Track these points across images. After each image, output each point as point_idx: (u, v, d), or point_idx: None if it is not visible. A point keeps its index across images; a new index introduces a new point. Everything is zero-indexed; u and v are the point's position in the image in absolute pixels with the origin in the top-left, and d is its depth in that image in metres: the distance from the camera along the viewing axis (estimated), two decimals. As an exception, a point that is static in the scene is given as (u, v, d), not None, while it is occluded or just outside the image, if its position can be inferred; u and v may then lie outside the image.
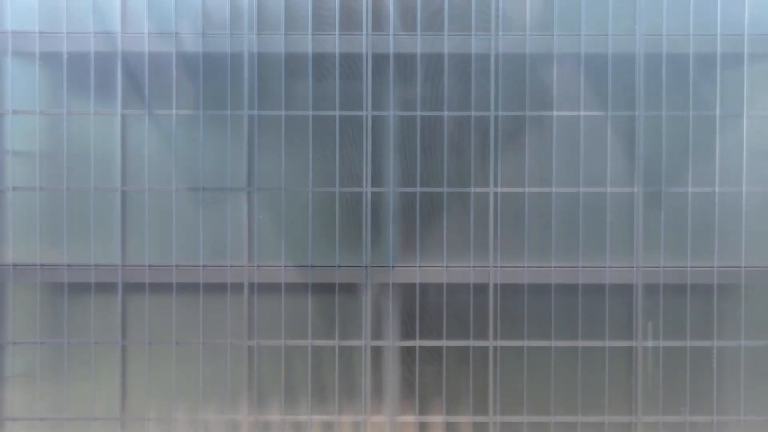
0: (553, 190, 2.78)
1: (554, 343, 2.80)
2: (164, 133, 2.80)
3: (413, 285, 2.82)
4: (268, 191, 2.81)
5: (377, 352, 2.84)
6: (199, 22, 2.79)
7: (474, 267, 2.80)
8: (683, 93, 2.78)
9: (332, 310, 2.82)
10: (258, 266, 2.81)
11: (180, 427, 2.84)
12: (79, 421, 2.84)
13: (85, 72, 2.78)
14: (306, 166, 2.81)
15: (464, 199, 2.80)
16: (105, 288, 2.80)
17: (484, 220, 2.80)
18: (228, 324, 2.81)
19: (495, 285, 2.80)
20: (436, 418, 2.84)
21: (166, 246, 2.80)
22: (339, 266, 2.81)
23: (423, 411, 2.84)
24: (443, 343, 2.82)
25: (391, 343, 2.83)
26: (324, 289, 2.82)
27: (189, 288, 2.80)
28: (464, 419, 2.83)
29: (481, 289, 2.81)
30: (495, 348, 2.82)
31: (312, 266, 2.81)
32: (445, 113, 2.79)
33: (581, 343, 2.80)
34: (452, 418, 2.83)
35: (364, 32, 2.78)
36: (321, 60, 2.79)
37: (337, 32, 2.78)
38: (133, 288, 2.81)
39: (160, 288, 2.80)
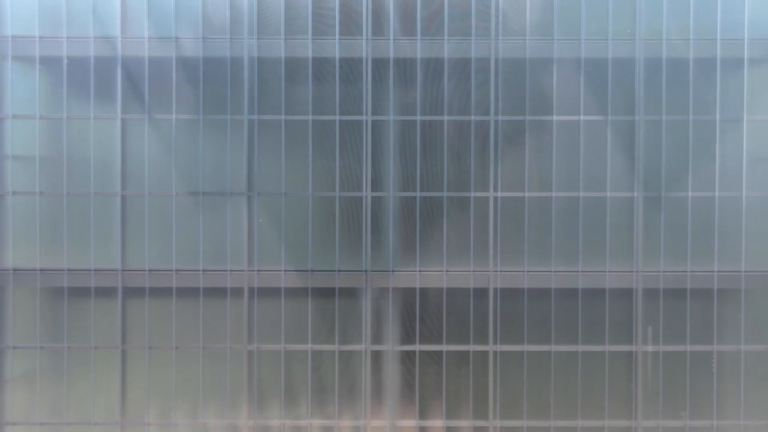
0: (553, 194, 2.78)
1: (554, 348, 2.80)
2: (164, 137, 2.80)
3: (413, 289, 2.82)
4: (268, 196, 2.81)
5: (377, 356, 2.84)
6: (199, 26, 2.79)
7: (474, 271, 2.80)
8: (683, 97, 2.78)
9: (332, 314, 2.82)
10: (258, 271, 2.81)
11: (180, 432, 2.85)
12: (79, 426, 2.84)
13: (85, 76, 2.78)
14: (306, 171, 2.81)
15: (464, 204, 2.80)
16: (105, 292, 2.80)
17: (484, 225, 2.80)
18: (228, 328, 2.81)
19: (495, 289, 2.80)
20: (436, 423, 2.84)
21: (166, 250, 2.80)
22: (339, 271, 2.81)
23: (423, 415, 2.84)
24: (443, 347, 2.82)
25: (391, 347, 2.83)
26: (324, 294, 2.82)
27: (189, 292, 2.80)
28: (464, 423, 2.83)
29: (481, 293, 2.81)
30: (495, 352, 2.82)
31: (312, 271, 2.81)
32: (445, 117, 2.79)
33: (581, 348, 2.80)
34: (452, 423, 2.83)
35: (364, 37, 2.78)
36: (321, 64, 2.79)
37: (337, 36, 2.78)
38: (133, 292, 2.81)
39: (160, 292, 2.80)
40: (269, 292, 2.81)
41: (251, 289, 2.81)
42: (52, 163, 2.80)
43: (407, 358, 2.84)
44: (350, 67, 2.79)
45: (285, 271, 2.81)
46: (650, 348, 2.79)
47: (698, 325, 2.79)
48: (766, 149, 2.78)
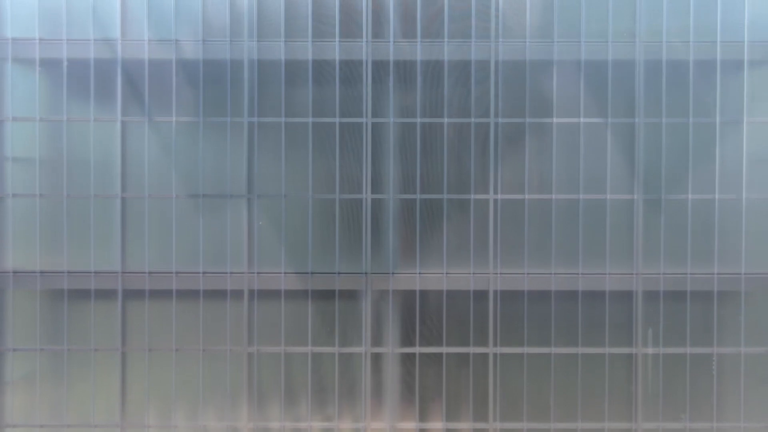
0: (553, 196, 2.78)
1: (554, 350, 2.80)
2: (164, 139, 2.80)
3: (413, 292, 2.82)
4: (268, 198, 2.81)
5: (377, 358, 2.84)
6: (199, 29, 2.79)
7: (474, 274, 2.80)
8: (683, 99, 2.78)
9: (332, 316, 2.82)
10: (258, 273, 2.81)
11: (180, 434, 2.85)
12: (79, 428, 2.84)
13: (85, 79, 2.79)
14: (306, 173, 2.81)
15: (464, 206, 2.80)
16: (105, 295, 2.80)
17: (484, 227, 2.80)
18: (228, 330, 2.81)
19: (495, 292, 2.80)
20: (436, 425, 2.84)
21: (166, 253, 2.80)
22: (339, 273, 2.81)
23: (423, 417, 2.84)
24: (443, 349, 2.82)
25: (391, 349, 2.83)
26: (324, 296, 2.82)
27: (189, 295, 2.80)
28: (464, 426, 2.83)
29: (481, 295, 2.81)
30: (495, 355, 2.82)
31: (312, 273, 2.81)
32: (445, 120, 2.79)
33: (581, 350, 2.80)
34: (452, 425, 2.83)
35: (364, 39, 2.78)
36: (321, 66, 2.80)
37: (337, 39, 2.78)
38: (133, 295, 2.81)
39: (160, 295, 2.80)
40: (269, 295, 2.81)
41: (251, 292, 2.81)
42: (52, 165, 2.80)
43: (407, 360, 2.84)
44: (350, 69, 2.79)
45: (285, 273, 2.81)
46: (650, 350, 2.79)
47: (698, 327, 2.79)
48: (767, 151, 2.78)
